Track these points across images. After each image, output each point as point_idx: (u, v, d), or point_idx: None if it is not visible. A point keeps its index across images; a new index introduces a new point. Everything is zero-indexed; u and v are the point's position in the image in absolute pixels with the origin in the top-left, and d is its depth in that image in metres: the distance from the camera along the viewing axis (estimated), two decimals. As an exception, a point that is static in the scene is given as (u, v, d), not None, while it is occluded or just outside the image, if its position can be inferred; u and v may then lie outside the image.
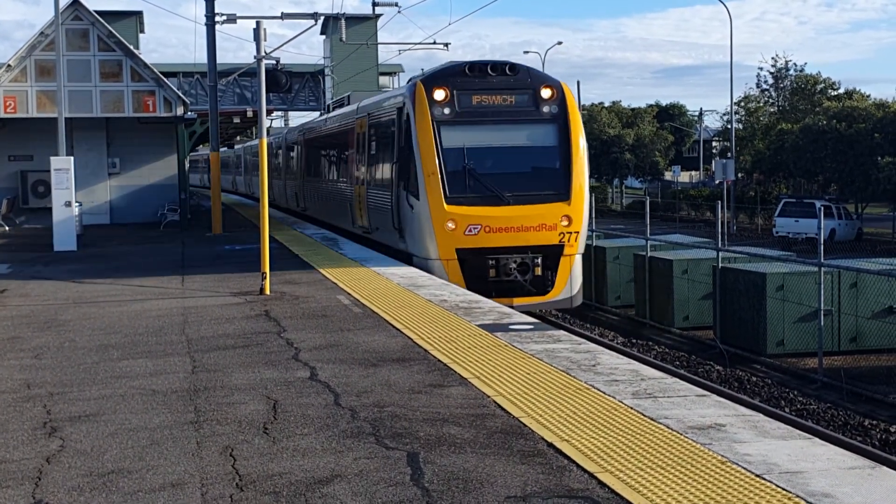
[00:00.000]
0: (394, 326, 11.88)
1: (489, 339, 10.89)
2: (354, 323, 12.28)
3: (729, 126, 64.02)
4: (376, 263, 19.26)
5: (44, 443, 7.22)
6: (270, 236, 26.08)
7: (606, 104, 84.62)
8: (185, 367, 9.85)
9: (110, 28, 32.02)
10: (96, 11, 32.55)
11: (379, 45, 60.31)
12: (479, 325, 11.80)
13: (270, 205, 37.50)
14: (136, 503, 5.85)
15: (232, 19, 28.21)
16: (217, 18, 28.51)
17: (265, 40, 14.78)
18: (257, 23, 14.65)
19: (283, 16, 28.10)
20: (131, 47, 32.52)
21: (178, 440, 7.16)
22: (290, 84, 15.72)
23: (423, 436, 7.11)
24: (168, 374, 9.49)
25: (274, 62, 15.15)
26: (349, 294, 14.85)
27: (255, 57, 14.74)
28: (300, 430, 7.32)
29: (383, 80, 73.33)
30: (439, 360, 9.80)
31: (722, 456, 6.41)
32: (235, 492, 5.97)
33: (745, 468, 6.15)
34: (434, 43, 33.05)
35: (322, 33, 75.21)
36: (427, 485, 6.05)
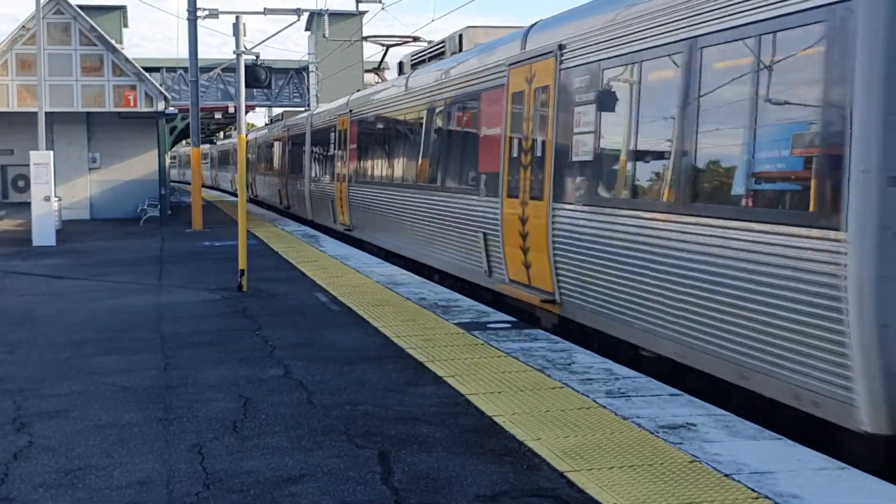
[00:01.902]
0: (370, 324, 11.84)
1: (466, 338, 10.87)
2: (331, 321, 12.23)
3: None
4: (357, 261, 19.22)
5: (12, 439, 7.16)
6: (251, 233, 26.06)
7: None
8: (158, 363, 9.79)
9: (92, 22, 31.91)
10: (79, 6, 32.44)
11: (364, 42, 60.28)
12: (456, 324, 11.77)
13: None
14: (101, 500, 5.80)
15: (214, 14, 28.10)
16: (199, 13, 28.40)
17: (245, 35, 14.71)
18: (236, 18, 14.57)
19: (266, 11, 28.00)
20: (113, 42, 32.40)
21: (147, 437, 7.11)
22: (270, 79, 15.64)
23: (394, 434, 7.08)
24: (140, 371, 9.43)
25: (254, 57, 15.08)
26: (327, 291, 14.80)
27: (234, 52, 14.67)
28: (271, 428, 7.28)
29: (368, 76, 73.26)
30: (415, 359, 9.77)
31: (692, 455, 6.40)
32: (202, 490, 5.93)
33: (714, 468, 6.14)
34: (417, 40, 32.92)
35: (307, 29, 75.18)
36: (396, 484, 6.02)
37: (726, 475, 6.01)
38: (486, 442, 6.88)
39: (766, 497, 5.62)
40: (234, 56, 14.78)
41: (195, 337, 11.26)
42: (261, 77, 14.87)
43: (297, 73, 70.78)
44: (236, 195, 43.82)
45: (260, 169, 43.02)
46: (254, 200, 44.47)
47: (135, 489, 5.97)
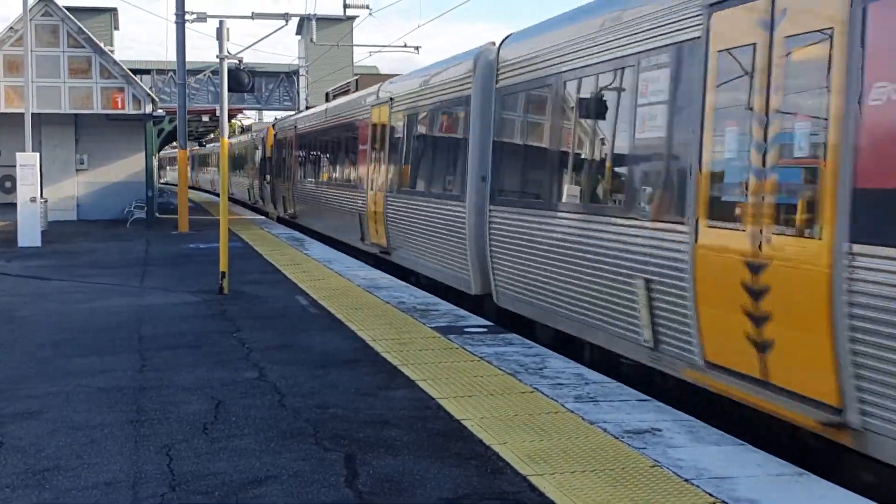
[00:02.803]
0: (348, 328, 11.91)
1: (441, 342, 10.94)
2: (309, 324, 12.30)
3: None
4: (340, 264, 19.28)
5: (-17, 440, 7.21)
6: (237, 236, 26.11)
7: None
8: (134, 365, 9.85)
9: (80, 24, 31.92)
10: (70, 8, 32.50)
11: (354, 47, 60.32)
12: (433, 328, 11.85)
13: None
14: (67, 501, 5.86)
15: (202, 18, 28.18)
16: (187, 17, 28.45)
17: (228, 39, 14.79)
18: (220, 22, 14.64)
19: (254, 15, 28.09)
20: (101, 44, 32.43)
21: (117, 438, 7.17)
22: (252, 83, 15.74)
23: (362, 438, 7.15)
24: (116, 372, 9.48)
25: (237, 61, 15.14)
26: (308, 294, 14.86)
27: (217, 56, 14.74)
28: (240, 430, 7.34)
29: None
30: (389, 363, 9.84)
31: (654, 461, 6.48)
32: (167, 491, 5.99)
33: (675, 473, 6.23)
34: (405, 46, 33.11)
35: (297, 33, 75.24)
36: (360, 487, 6.09)
37: (686, 480, 6.09)
38: (452, 445, 6.95)
39: (724, 502, 5.70)
40: (218, 60, 14.84)
41: (173, 339, 11.32)
42: (243, 81, 14.92)
43: (287, 77, 70.84)
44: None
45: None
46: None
47: (101, 490, 6.03)
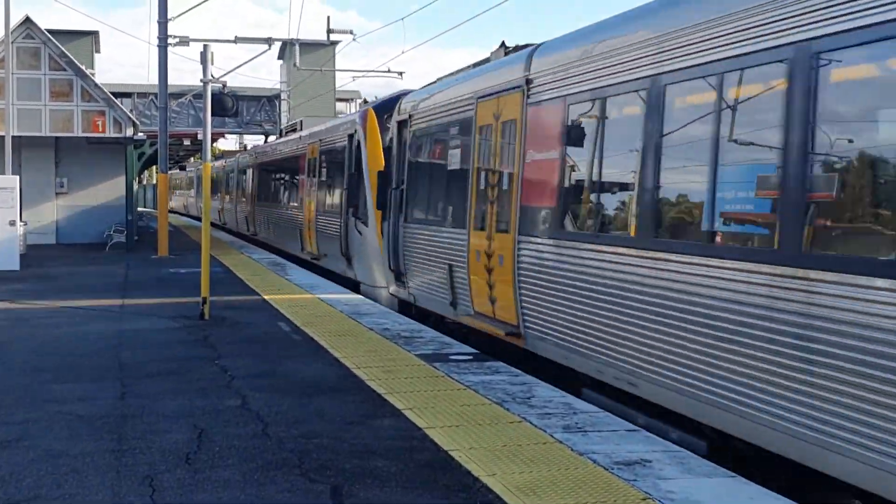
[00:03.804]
0: (332, 355, 11.79)
1: (427, 370, 10.84)
2: (293, 350, 12.18)
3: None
4: (322, 290, 19.16)
5: (-39, 469, 7.05)
6: (218, 260, 25.94)
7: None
8: (115, 392, 9.70)
9: (62, 47, 31.79)
10: (51, 30, 32.35)
11: (337, 72, 60.31)
12: (418, 355, 11.74)
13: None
14: (47, 534, 5.72)
15: (185, 42, 28.07)
16: (170, 41, 28.35)
17: (212, 64, 14.71)
18: (204, 47, 14.58)
19: (237, 39, 28.01)
20: (83, 67, 32.29)
21: (99, 468, 7.03)
22: (236, 107, 15.65)
23: (349, 468, 7.03)
24: (96, 400, 9.33)
25: (221, 85, 15.05)
26: (290, 320, 14.74)
27: (201, 80, 14.66)
28: (223, 460, 7.21)
29: (340, 105, 73.29)
30: (374, 391, 9.73)
31: (645, 493, 6.39)
32: (150, 523, 5.86)
33: (667, 506, 6.14)
34: (388, 71, 33.13)
35: (280, 58, 75.21)
36: (347, 518, 5.98)
37: (678, 513, 6.01)
38: (440, 477, 6.85)
39: (717, 535, 5.62)
40: (202, 84, 14.76)
41: (154, 365, 11.17)
42: (227, 105, 14.86)
43: (269, 101, 70.70)
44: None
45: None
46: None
47: (82, 522, 5.90)
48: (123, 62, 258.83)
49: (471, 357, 11.69)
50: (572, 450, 7.49)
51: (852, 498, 6.67)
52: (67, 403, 9.21)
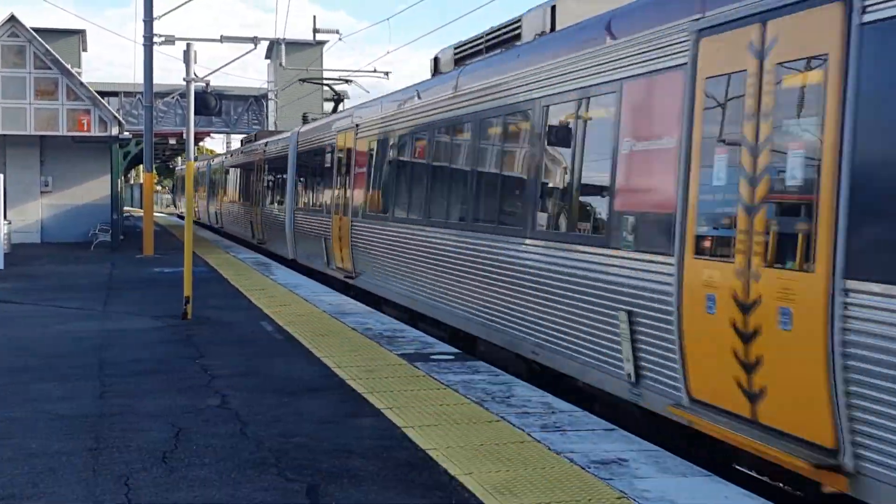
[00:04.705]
0: (314, 354, 11.79)
1: (408, 370, 10.84)
2: (274, 350, 12.17)
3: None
4: (306, 290, 19.15)
5: (-63, 468, 7.04)
6: (202, 260, 25.91)
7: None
8: (95, 392, 9.68)
9: (47, 46, 31.69)
10: (37, 29, 32.26)
11: (324, 71, 60.23)
12: (400, 355, 11.74)
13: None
14: (21, 532, 5.71)
15: (170, 41, 28.02)
16: (155, 39, 28.30)
17: (195, 62, 14.69)
18: (187, 45, 14.54)
19: (222, 39, 27.97)
20: (69, 66, 32.20)
21: (75, 467, 7.02)
22: (220, 106, 15.61)
23: (326, 468, 7.03)
24: (76, 399, 9.31)
25: (204, 84, 15.03)
26: (273, 320, 14.73)
27: (184, 79, 14.63)
28: (200, 459, 7.21)
29: (327, 105, 73.15)
30: (355, 390, 9.73)
31: (620, 492, 6.41)
32: (125, 522, 5.85)
33: (641, 505, 6.16)
34: (374, 71, 33.12)
35: (267, 57, 75.15)
36: (323, 517, 5.98)
37: (653, 512, 6.03)
38: (417, 476, 6.86)
39: (690, 534, 5.64)
40: (185, 83, 14.74)
41: (135, 365, 11.15)
42: (210, 104, 14.83)
43: (256, 101, 70.58)
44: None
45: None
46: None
47: (56, 521, 5.89)
48: (113, 61, 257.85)
49: (452, 357, 11.70)
50: (550, 449, 7.50)
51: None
52: (47, 402, 9.19)
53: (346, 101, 35.83)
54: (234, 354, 11.84)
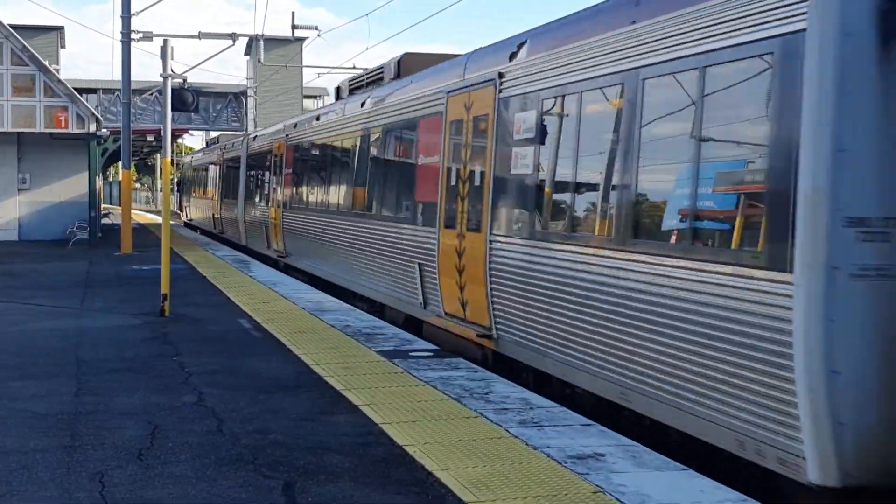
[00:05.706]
0: (292, 352, 11.76)
1: (386, 366, 10.83)
2: (252, 348, 12.13)
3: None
4: (285, 287, 19.10)
5: None
6: (181, 257, 25.80)
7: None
8: (70, 389, 9.62)
9: (24, 42, 31.48)
10: (15, 25, 32.01)
11: (303, 68, 60.12)
12: (378, 352, 11.73)
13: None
14: (-6, 531, 5.68)
15: (148, 37, 27.89)
16: (133, 35, 28.15)
17: (172, 59, 14.61)
18: (164, 41, 14.47)
19: (200, 35, 27.84)
20: (45, 62, 32.00)
21: (49, 464, 6.97)
22: (197, 103, 15.54)
23: (302, 464, 7.01)
24: (52, 397, 9.26)
25: (181, 80, 14.97)
26: (251, 317, 14.68)
27: (161, 75, 14.56)
28: (176, 456, 7.18)
29: (307, 102, 73.05)
30: (332, 387, 9.71)
31: (597, 486, 6.42)
32: (99, 519, 5.82)
33: (617, 499, 6.17)
34: (354, 67, 33.06)
35: (246, 54, 74.96)
36: (299, 514, 5.97)
37: (629, 506, 6.04)
38: (394, 472, 6.85)
39: (666, 528, 5.65)
40: (161, 79, 14.67)
41: (112, 362, 11.10)
42: (187, 101, 14.76)
43: (235, 98, 70.41)
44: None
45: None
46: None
47: (30, 518, 5.85)
48: (92, 58, 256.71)
49: (431, 354, 11.70)
50: (527, 444, 7.51)
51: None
52: (22, 400, 9.13)
53: (324, 98, 39.11)
54: (212, 352, 11.80)
